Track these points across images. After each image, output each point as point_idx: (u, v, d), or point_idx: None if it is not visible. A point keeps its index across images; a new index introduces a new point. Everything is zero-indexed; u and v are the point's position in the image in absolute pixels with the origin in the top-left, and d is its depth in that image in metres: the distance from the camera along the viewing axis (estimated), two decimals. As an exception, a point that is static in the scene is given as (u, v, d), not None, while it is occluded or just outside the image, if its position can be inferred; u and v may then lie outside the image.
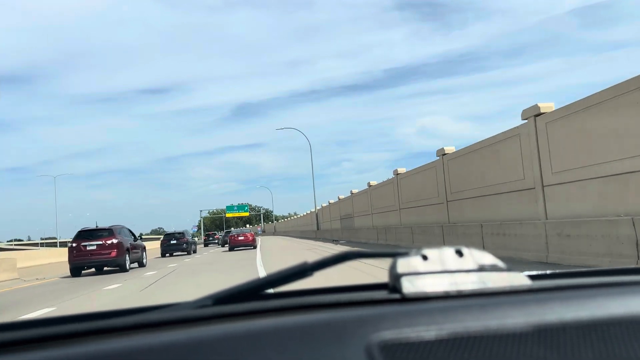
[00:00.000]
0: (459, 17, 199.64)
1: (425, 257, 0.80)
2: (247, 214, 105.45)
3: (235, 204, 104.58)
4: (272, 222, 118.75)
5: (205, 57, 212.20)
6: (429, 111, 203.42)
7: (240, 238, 34.02)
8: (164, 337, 0.68)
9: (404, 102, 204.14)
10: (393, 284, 0.79)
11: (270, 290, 0.87)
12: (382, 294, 0.80)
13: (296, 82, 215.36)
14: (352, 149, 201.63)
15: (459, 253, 0.81)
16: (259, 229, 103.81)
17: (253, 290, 0.84)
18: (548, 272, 1.01)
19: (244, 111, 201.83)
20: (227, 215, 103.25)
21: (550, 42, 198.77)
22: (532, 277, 0.86)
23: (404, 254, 0.81)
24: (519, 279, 0.82)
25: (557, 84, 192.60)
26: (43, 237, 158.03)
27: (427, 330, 0.67)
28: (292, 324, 0.70)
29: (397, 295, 0.77)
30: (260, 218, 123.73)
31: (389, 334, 0.67)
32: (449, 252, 0.81)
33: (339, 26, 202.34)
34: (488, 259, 0.82)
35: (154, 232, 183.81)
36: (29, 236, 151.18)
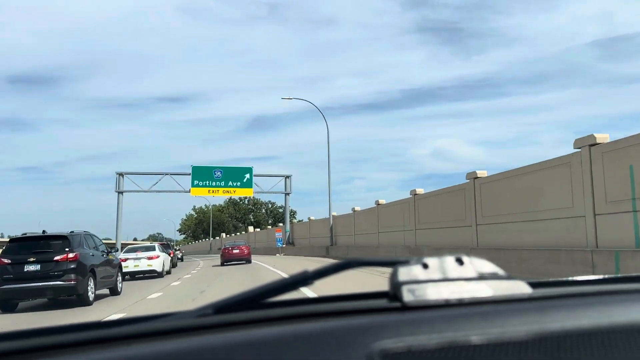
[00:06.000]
0: (478, 43, 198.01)
1: (425, 266, 0.80)
2: (249, 192, 49.73)
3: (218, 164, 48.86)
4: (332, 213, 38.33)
5: (224, 69, 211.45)
6: (443, 134, 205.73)
7: (234, 251, 32.53)
8: (164, 346, 0.69)
9: (419, 124, 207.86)
10: (394, 293, 0.79)
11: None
12: (382, 303, 0.80)
13: (312, 98, 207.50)
14: (365, 167, 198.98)
15: (460, 261, 0.81)
16: (277, 233, 48.08)
17: (254, 299, 0.84)
18: (549, 280, 1.01)
19: (259, 124, 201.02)
20: (193, 192, 47.14)
21: (568, 72, 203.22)
22: (533, 285, 0.85)
23: (405, 263, 0.81)
24: (520, 287, 0.82)
25: (574, 114, 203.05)
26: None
27: (428, 339, 0.68)
28: (293, 333, 0.70)
29: (397, 304, 0.77)
30: (284, 211, 53.96)
31: (390, 343, 0.67)
32: (449, 260, 0.81)
33: (358, 46, 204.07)
34: (488, 267, 0.82)
35: (151, 237, 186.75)
36: (1, 233, 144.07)
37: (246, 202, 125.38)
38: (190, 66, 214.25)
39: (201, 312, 0.82)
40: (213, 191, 47.57)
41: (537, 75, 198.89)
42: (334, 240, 36.92)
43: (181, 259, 47.52)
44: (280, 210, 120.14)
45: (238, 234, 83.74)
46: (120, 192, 46.89)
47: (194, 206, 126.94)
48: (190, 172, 47.26)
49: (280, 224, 56.35)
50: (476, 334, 0.69)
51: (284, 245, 47.23)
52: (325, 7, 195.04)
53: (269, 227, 67.13)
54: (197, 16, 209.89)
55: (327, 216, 38.50)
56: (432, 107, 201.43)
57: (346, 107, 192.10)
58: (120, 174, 46.89)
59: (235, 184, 47.80)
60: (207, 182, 47.03)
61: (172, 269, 30.27)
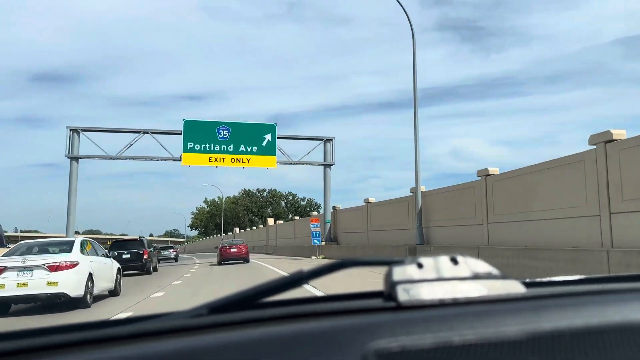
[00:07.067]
0: (498, 42, 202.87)
1: (420, 265, 0.79)
2: (271, 161, 32.52)
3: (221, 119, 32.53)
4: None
5: (243, 67, 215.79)
6: (462, 133, 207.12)
7: (232, 250, 30.79)
8: (158, 347, 0.68)
9: (437, 123, 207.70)
10: (389, 292, 0.79)
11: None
12: (377, 302, 0.80)
13: (329, 97, 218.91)
14: (381, 165, 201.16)
15: (454, 261, 0.81)
16: (314, 225, 32.92)
17: (248, 299, 0.83)
18: (543, 279, 1.01)
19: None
20: (186, 160, 31.17)
21: (590, 71, 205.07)
22: (527, 285, 0.86)
23: (400, 262, 0.81)
24: (514, 286, 0.81)
25: (596, 114, 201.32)
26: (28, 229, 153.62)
27: (423, 339, 0.68)
28: (287, 333, 0.70)
29: (392, 304, 0.77)
30: (324, 191, 35.29)
31: (385, 342, 0.67)
32: (444, 260, 0.81)
33: (376, 44, 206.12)
34: (483, 267, 0.82)
35: (168, 233, 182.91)
36: (15, 228, 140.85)
37: (264, 194, 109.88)
38: (208, 64, 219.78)
39: (196, 312, 0.81)
40: (216, 159, 31.55)
41: (558, 74, 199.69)
42: (425, 234, 20.56)
43: (175, 259, 41.85)
44: (303, 203, 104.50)
45: (254, 228, 68.27)
46: (73, 158, 30.85)
47: (206, 198, 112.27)
48: (182, 130, 31.19)
49: (315, 213, 39.82)
50: (470, 333, 0.69)
51: (323, 243, 31.02)
52: (344, 5, 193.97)
53: (297, 217, 50.54)
54: (216, 15, 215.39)
55: (399, 195, 23.47)
56: (451, 106, 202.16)
57: (364, 105, 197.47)
58: (74, 131, 30.78)
59: (250, 149, 31.82)
60: (208, 146, 31.22)
61: (147, 277, 21.94)
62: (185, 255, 63.99)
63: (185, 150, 31.26)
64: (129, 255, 23.19)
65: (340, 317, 0.76)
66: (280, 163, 33.39)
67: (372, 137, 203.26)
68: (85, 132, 31.04)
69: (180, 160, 31.36)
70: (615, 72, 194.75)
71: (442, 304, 0.76)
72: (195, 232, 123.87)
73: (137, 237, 26.88)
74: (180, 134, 31.39)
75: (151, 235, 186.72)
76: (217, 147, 31.59)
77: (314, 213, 39.75)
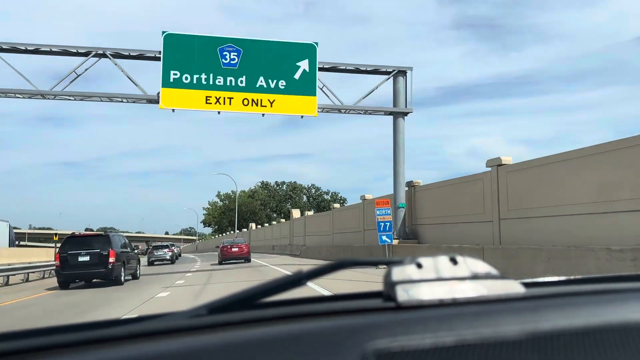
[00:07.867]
0: (517, 40, 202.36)
1: (419, 265, 0.80)
2: (309, 105, 19.56)
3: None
4: None
5: None
6: (481, 132, 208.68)
7: (233, 249, 31.07)
8: (158, 347, 0.69)
9: (455, 122, 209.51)
10: (388, 293, 0.80)
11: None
12: (376, 303, 0.81)
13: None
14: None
15: (454, 261, 0.81)
16: (381, 211, 19.81)
17: (247, 300, 0.83)
18: (542, 279, 1.01)
19: (294, 121, 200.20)
20: (166, 101, 18.55)
21: (612, 69, 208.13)
22: (526, 285, 0.86)
23: (399, 262, 0.81)
24: (513, 286, 0.82)
25: (618, 112, 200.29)
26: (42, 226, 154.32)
27: (422, 339, 0.68)
28: (287, 333, 0.70)
29: (391, 304, 0.77)
30: (395, 156, 21.72)
31: (384, 343, 0.68)
32: (443, 260, 0.81)
33: (394, 43, 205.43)
34: (482, 267, 0.82)
35: (183, 231, 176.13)
36: (29, 224, 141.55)
37: (284, 187, 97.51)
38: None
39: (195, 312, 0.82)
40: (217, 100, 19.22)
41: (579, 72, 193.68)
42: None
43: (171, 261, 39.56)
44: (327, 197, 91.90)
45: (274, 223, 56.36)
46: None
47: (219, 192, 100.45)
48: (161, 50, 18.86)
49: (369, 196, 26.96)
50: (470, 333, 0.69)
51: (396, 242, 18.58)
52: (362, 3, 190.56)
53: (336, 205, 37.29)
54: (236, 14, 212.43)
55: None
56: (470, 105, 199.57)
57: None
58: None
59: (274, 84, 19.50)
60: (204, 78, 19.14)
61: (104, 292, 15.52)
62: (190, 256, 59.93)
63: (166, 84, 19.00)
64: (87, 258, 16.90)
65: (340, 318, 0.76)
66: (322, 110, 20.61)
67: (389, 136, 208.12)
68: (2, 53, 18.92)
69: (157, 100, 19.11)
70: (637, 71, 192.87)
71: (441, 304, 0.76)
72: (210, 229, 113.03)
73: (102, 232, 19.13)
74: (159, 58, 19.13)
75: (167, 233, 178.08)
76: (220, 80, 19.30)
77: (369, 196, 26.98)
